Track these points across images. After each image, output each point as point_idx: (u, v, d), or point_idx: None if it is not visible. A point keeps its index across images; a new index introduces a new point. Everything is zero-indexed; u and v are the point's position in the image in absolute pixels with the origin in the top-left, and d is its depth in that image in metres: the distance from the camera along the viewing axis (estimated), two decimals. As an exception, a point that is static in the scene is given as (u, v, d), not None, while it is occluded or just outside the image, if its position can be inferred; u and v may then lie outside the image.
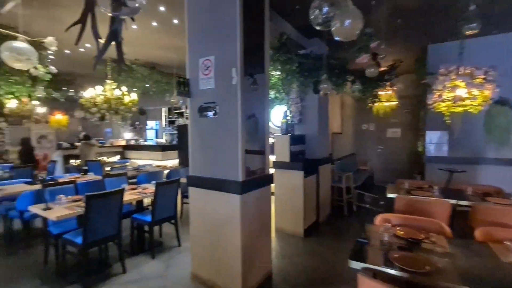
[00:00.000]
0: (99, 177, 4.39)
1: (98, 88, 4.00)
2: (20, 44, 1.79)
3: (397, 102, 5.98)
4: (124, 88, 4.18)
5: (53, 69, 3.17)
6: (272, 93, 4.90)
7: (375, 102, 5.57)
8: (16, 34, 1.82)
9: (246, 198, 2.31)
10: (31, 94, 5.55)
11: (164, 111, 11.22)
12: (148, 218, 3.19)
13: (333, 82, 3.74)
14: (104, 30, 1.22)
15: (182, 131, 8.72)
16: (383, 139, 7.66)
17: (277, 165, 3.97)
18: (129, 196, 3.19)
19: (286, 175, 3.89)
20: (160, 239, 3.76)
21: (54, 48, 2.08)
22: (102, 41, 1.15)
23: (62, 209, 2.65)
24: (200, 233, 2.63)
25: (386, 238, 1.63)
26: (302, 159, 4.16)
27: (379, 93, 5.22)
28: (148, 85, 6.13)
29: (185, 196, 4.53)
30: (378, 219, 2.10)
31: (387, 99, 5.89)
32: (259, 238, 2.57)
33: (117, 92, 4.00)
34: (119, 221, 2.82)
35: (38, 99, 5.61)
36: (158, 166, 6.16)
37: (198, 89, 2.53)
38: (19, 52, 1.77)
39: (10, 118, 6.35)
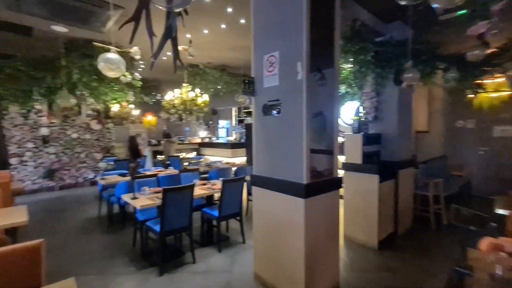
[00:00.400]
0: (176, 172, 4.89)
1: (176, 91, 4.44)
2: (112, 55, 2.10)
3: (510, 93, 4.71)
4: (197, 90, 4.52)
5: (137, 75, 3.64)
6: (342, 88, 4.51)
7: (477, 93, 4.51)
8: (109, 46, 2.13)
9: (311, 202, 2.14)
10: (128, 99, 6.63)
11: (234, 111, 11.82)
12: (216, 213, 3.35)
13: (420, 71, 3.16)
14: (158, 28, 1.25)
15: (250, 129, 8.99)
16: (488, 138, 6.16)
17: (347, 167, 3.62)
18: (199, 191, 3.41)
19: (358, 179, 3.50)
20: (227, 234, 3.92)
21: (138, 57, 2.35)
22: (156, 38, 1.18)
23: (145, 199, 3.01)
24: (263, 234, 2.59)
25: (500, 272, 1.23)
26: (377, 161, 3.69)
27: (483, 81, 4.20)
28: (219, 87, 6.53)
29: (250, 193, 4.63)
30: (485, 243, 1.63)
31: (495, 88, 4.71)
32: (325, 246, 2.36)
33: (191, 94, 4.35)
34: (190, 213, 3.04)
35: (132, 102, 6.64)
36: (227, 163, 6.49)
37: (262, 87, 2.48)
38: (111, 62, 2.08)
39: (114, 119, 7.74)
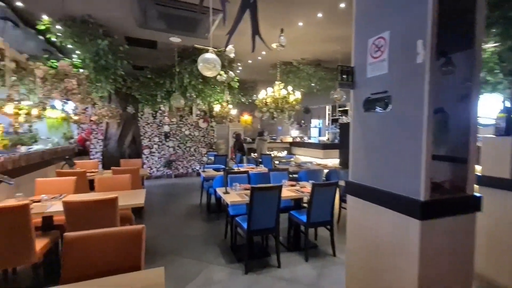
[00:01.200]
0: (266, 170, 4.93)
1: (269, 90, 4.45)
2: (209, 55, 2.21)
3: None
4: (290, 88, 4.40)
5: (232, 74, 3.80)
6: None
7: None
8: (208, 47, 2.24)
9: (431, 226, 1.61)
10: (228, 99, 7.23)
11: (327, 109, 11.17)
12: (304, 218, 3.12)
13: None
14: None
15: (345, 129, 8.24)
16: None
17: (486, 181, 2.67)
18: (287, 193, 3.25)
19: (504, 200, 2.52)
20: (315, 242, 3.62)
21: (232, 55, 2.38)
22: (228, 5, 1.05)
23: (235, 195, 3.09)
24: (358, 253, 2.18)
25: None
26: (541, 177, 2.56)
27: None
28: (313, 84, 6.23)
29: (344, 200, 4.14)
30: None
31: None
32: (449, 285, 1.75)
33: (283, 92, 4.25)
34: (277, 215, 2.92)
35: (231, 103, 7.19)
36: (319, 165, 6.11)
37: (365, 78, 2.06)
38: (208, 62, 2.19)
39: (216, 118, 8.61)
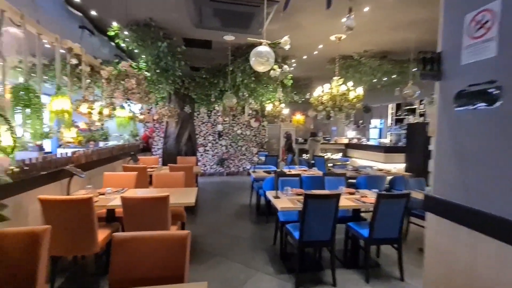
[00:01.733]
0: (320, 173, 4.56)
1: (326, 87, 4.08)
2: (262, 48, 2.03)
3: None
4: (350, 84, 3.95)
5: (285, 67, 3.56)
6: None
7: None
8: (260, 40, 2.07)
9: None
10: (280, 98, 7.02)
11: (390, 108, 10.03)
12: (365, 232, 2.71)
13: None
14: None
15: (413, 130, 7.22)
16: None
17: None
18: (346, 202, 2.88)
19: None
20: (377, 260, 3.15)
21: (288, 46, 2.15)
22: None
23: (286, 201, 2.86)
24: (441, 285, 1.73)
25: None
26: None
27: None
28: (375, 80, 5.57)
29: (413, 214, 3.53)
30: None
31: None
32: None
33: (342, 88, 3.84)
34: (333, 227, 2.59)
35: (283, 101, 6.97)
36: (380, 170, 5.44)
37: (458, 65, 1.61)
38: (260, 55, 2.02)
39: (268, 118, 8.49)
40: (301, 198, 2.83)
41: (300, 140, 10.17)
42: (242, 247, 3.43)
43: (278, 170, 4.77)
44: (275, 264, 2.98)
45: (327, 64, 5.16)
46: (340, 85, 3.91)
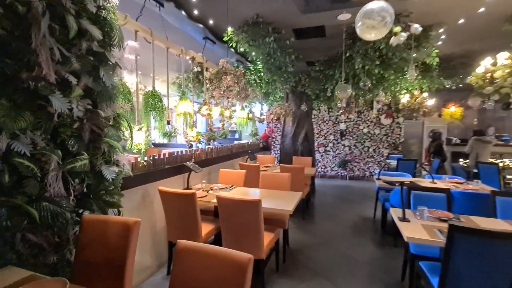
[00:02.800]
0: (487, 189, 3.03)
1: (501, 57, 2.61)
2: (374, 4, 1.38)
3: None
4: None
5: (417, 27, 2.48)
6: None
7: None
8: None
9: None
10: (422, 86, 5.43)
11: None
12: None
13: None
14: None
15: None
16: None
17: None
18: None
19: None
20: None
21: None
22: None
23: (419, 227, 1.99)
24: None
25: None
26: None
27: None
28: None
29: None
30: None
31: None
32: None
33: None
34: (508, 282, 1.52)
35: (427, 90, 5.33)
36: None
37: None
38: (370, 16, 1.38)
39: (404, 113, 6.86)
40: (444, 226, 1.87)
41: (455, 140, 7.62)
42: (355, 272, 2.74)
43: (410, 180, 3.59)
44: (400, 312, 2.15)
45: (505, 25, 3.35)
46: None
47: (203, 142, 4.15)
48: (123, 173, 2.04)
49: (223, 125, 4.60)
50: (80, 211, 1.74)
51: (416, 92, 5.54)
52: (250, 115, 5.73)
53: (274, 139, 8.47)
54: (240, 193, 3.06)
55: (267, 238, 2.40)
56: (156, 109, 2.57)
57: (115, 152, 2.02)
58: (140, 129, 2.47)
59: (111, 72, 1.88)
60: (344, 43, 3.68)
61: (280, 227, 2.86)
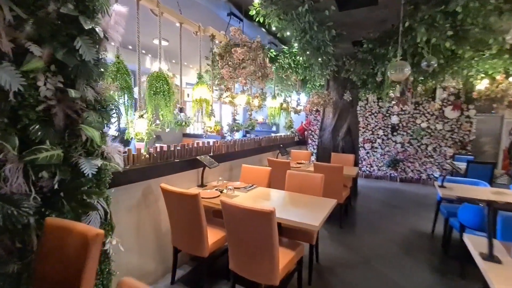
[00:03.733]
0: None
1: None
2: None
3: None
4: None
5: None
6: None
7: None
8: None
9: None
10: (509, 68, 4.18)
11: None
12: None
13: None
14: None
15: None
16: None
17: None
18: None
19: None
20: None
21: None
22: None
23: (509, 270, 1.25)
24: None
25: None
26: None
27: None
28: None
29: None
30: None
31: None
32: None
33: None
34: None
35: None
36: None
37: None
38: None
39: (478, 103, 5.52)
40: None
41: (551, 140, 5.97)
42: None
43: (489, 191, 2.63)
44: None
45: None
46: None
47: (230, 135, 3.75)
48: (109, 167, 1.71)
49: (250, 115, 4.13)
50: (47, 212, 1.45)
51: (499, 77, 4.29)
52: (284, 105, 5.15)
53: (313, 132, 7.72)
54: (260, 195, 2.56)
55: (285, 258, 1.88)
56: (162, 93, 2.20)
57: (103, 142, 1.69)
58: (142, 116, 2.12)
59: (92, 44, 1.52)
60: (403, 10, 2.84)
61: (305, 241, 2.30)
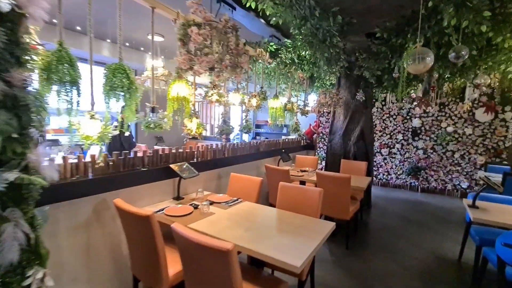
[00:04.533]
0: None
1: None
2: None
3: None
4: None
5: None
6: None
7: None
8: None
9: None
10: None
11: None
12: None
13: None
14: None
15: None
16: None
17: None
18: None
19: None
20: None
21: None
22: None
23: None
24: None
25: None
26: None
27: None
28: None
29: None
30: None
31: None
32: None
33: None
34: None
35: None
36: None
37: None
38: None
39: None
40: None
41: None
42: None
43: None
44: None
45: None
46: None
47: (235, 137, 3.33)
48: (33, 180, 1.33)
49: (246, 115, 3.70)
50: None
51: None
52: (289, 105, 4.67)
53: (323, 136, 7.14)
54: (241, 214, 2.12)
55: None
56: (120, 89, 1.82)
57: (26, 148, 1.33)
58: (93, 116, 1.76)
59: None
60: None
61: (293, 275, 1.83)
